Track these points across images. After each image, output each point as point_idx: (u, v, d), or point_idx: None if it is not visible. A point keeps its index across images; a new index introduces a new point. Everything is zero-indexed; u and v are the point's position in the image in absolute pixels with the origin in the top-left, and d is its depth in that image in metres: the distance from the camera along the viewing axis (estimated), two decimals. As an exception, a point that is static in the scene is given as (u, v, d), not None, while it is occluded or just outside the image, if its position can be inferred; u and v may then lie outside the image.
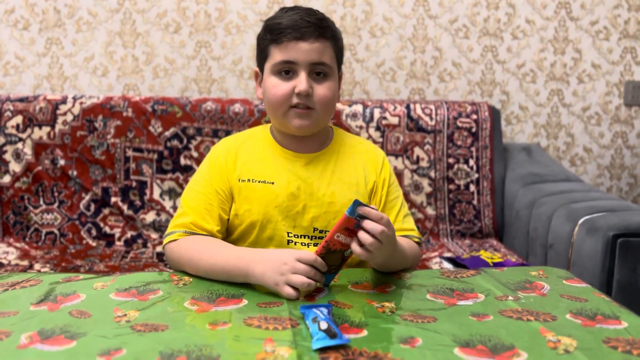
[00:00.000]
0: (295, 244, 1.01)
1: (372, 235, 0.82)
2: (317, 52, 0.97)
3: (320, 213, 1.02)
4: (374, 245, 0.82)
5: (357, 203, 0.82)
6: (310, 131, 1.02)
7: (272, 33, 0.99)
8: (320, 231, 1.02)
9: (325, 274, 0.86)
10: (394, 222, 1.02)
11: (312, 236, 1.02)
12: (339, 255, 0.85)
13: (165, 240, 1.01)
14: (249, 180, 1.02)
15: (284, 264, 0.83)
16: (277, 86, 0.99)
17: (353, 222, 0.82)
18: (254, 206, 1.02)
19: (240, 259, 0.89)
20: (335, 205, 1.02)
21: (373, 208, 0.83)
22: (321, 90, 0.99)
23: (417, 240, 1.06)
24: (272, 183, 1.01)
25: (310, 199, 1.02)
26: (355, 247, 0.83)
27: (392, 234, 0.86)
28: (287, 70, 0.98)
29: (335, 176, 1.04)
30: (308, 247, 1.01)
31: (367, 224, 0.82)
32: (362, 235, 0.82)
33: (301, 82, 0.96)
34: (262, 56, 1.03)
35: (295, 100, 0.98)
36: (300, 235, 1.02)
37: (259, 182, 1.01)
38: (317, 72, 0.99)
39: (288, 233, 1.01)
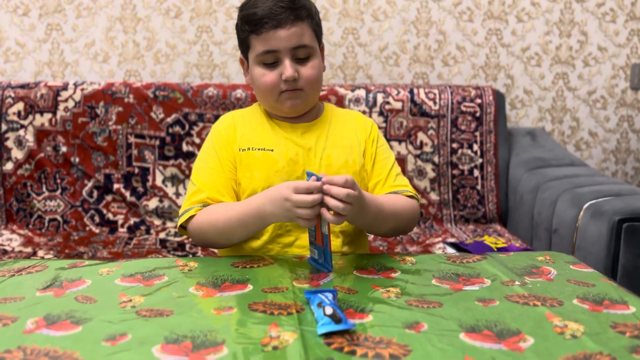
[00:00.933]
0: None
1: (340, 200, 0.85)
2: (296, 36, 1.00)
3: None
4: (346, 210, 0.85)
5: (309, 174, 0.86)
6: (303, 110, 1.07)
7: (249, 24, 1.01)
8: None
9: (319, 258, 0.87)
10: (385, 179, 1.07)
11: None
12: (319, 234, 0.87)
13: (182, 219, 1.02)
14: (249, 148, 1.05)
15: (286, 200, 0.87)
16: (264, 75, 1.02)
17: None
18: (255, 173, 1.04)
19: (250, 206, 0.94)
20: (332, 167, 1.05)
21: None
22: (306, 71, 1.02)
23: (411, 195, 1.06)
24: (272, 150, 1.05)
25: (308, 164, 1.05)
26: (325, 213, 0.86)
27: (358, 194, 0.88)
28: (272, 61, 1.02)
29: (330, 141, 1.07)
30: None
31: (332, 189, 0.85)
32: (329, 200, 0.85)
33: (287, 68, 1.00)
34: (244, 46, 1.07)
35: (283, 86, 1.02)
36: None
37: (259, 149, 1.05)
38: (300, 55, 1.02)
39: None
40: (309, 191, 0.85)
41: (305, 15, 1.02)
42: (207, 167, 1.05)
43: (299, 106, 1.05)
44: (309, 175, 0.87)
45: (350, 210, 0.86)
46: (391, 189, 1.06)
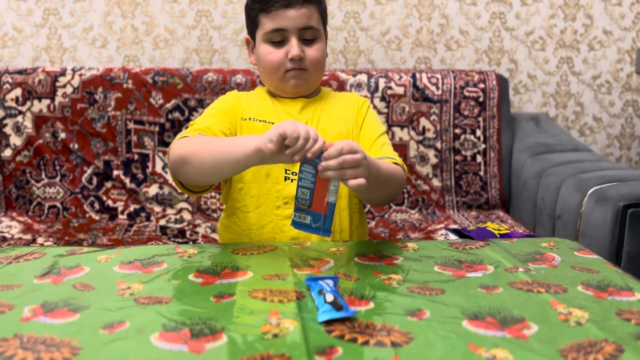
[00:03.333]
0: (292, 181, 1.04)
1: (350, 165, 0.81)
2: (305, 17, 1.04)
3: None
4: (359, 170, 0.82)
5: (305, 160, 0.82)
6: (306, 91, 1.11)
7: (260, 2, 1.05)
8: None
9: (312, 223, 0.85)
10: (370, 145, 1.08)
11: None
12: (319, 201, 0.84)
13: (176, 138, 0.98)
14: (250, 118, 1.08)
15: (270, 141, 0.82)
16: (271, 53, 1.06)
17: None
18: None
19: (242, 139, 0.91)
20: (327, 139, 1.01)
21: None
22: (312, 52, 1.06)
23: (397, 162, 1.04)
24: (272, 123, 1.06)
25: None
26: (350, 182, 0.81)
27: (355, 159, 0.83)
28: (279, 39, 1.05)
29: (325, 113, 1.11)
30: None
31: (331, 162, 0.81)
32: (345, 172, 0.81)
33: (293, 47, 1.04)
34: (252, 25, 1.09)
35: (289, 65, 1.05)
36: (297, 172, 1.03)
37: (259, 121, 1.07)
38: (306, 37, 1.06)
39: (286, 170, 1.05)
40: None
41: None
42: (211, 115, 1.07)
43: (302, 86, 1.08)
44: (305, 162, 0.83)
45: (364, 170, 0.82)
46: (376, 155, 1.04)
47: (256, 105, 1.10)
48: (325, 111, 1.11)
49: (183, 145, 0.96)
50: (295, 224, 0.86)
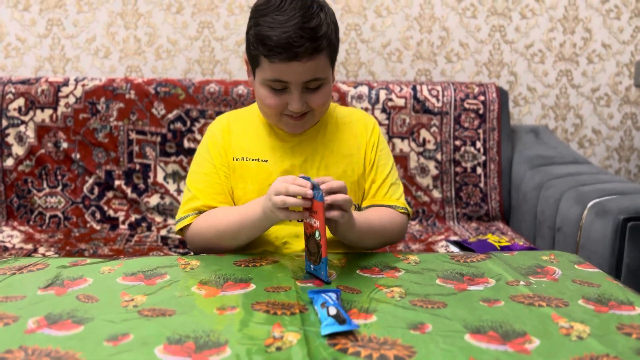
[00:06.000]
0: (290, 220, 1.00)
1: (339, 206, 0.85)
2: (311, 71, 0.92)
3: None
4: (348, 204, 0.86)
5: (303, 177, 0.86)
6: (303, 131, 1.03)
7: (263, 46, 0.91)
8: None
9: (316, 267, 0.85)
10: (377, 189, 1.05)
11: None
12: (313, 241, 0.85)
13: (178, 226, 1.03)
14: (242, 158, 1.02)
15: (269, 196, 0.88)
16: (269, 98, 0.96)
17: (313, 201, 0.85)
18: (248, 184, 1.03)
19: (250, 206, 0.95)
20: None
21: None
22: (316, 100, 0.96)
23: (402, 211, 1.05)
24: (266, 161, 1.02)
25: (305, 174, 1.02)
26: (331, 213, 0.85)
27: (351, 200, 0.88)
28: (280, 88, 0.95)
29: (328, 149, 1.04)
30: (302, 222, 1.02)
31: (336, 196, 0.85)
32: (331, 197, 0.85)
33: (294, 101, 0.94)
34: (252, 59, 0.97)
35: (288, 111, 0.97)
36: (297, 212, 1.02)
37: (253, 160, 1.02)
38: (311, 87, 0.95)
39: None
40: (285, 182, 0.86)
41: (325, 45, 0.92)
42: (202, 173, 1.03)
43: (300, 131, 1.02)
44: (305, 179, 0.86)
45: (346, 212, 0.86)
46: (382, 201, 1.05)
47: (248, 138, 1.03)
48: (328, 146, 1.03)
49: (199, 240, 1.00)
50: (307, 270, 0.88)
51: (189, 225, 1.01)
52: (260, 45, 0.92)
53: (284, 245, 1.02)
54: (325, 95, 0.97)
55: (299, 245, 1.01)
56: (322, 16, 0.92)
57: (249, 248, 1.02)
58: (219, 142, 1.04)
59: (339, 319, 0.68)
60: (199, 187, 1.02)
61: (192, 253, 1.11)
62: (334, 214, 0.85)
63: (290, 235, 1.02)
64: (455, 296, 0.79)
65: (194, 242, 1.02)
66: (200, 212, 1.01)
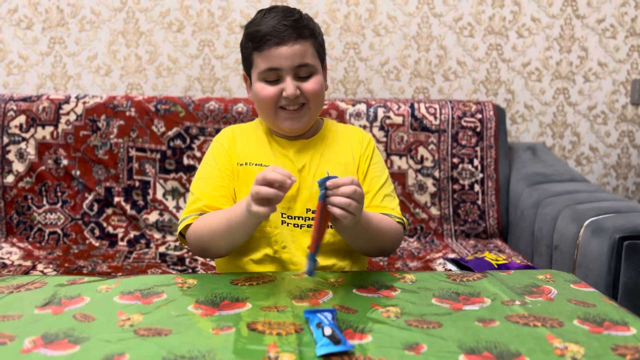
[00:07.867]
0: (287, 225, 1.04)
1: (347, 196, 0.86)
2: (298, 55, 1.01)
3: (312, 194, 1.05)
4: (351, 206, 0.86)
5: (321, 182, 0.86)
6: (302, 130, 1.07)
7: (252, 41, 1.02)
8: (313, 212, 1.05)
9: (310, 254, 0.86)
10: (372, 198, 1.07)
11: (305, 217, 1.05)
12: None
13: (180, 226, 1.03)
14: (246, 163, 1.06)
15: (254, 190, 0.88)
16: (264, 89, 1.03)
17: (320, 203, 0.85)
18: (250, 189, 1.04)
19: (238, 205, 0.95)
20: None
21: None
22: (309, 85, 1.03)
23: (398, 220, 1.06)
24: (267, 167, 1.04)
25: (303, 182, 1.05)
26: (332, 209, 0.85)
27: (362, 193, 0.89)
28: (274, 79, 1.03)
29: (325, 158, 1.08)
30: (301, 228, 1.04)
31: (339, 182, 0.86)
32: (334, 199, 0.85)
33: (288, 86, 1.01)
34: (247, 63, 1.07)
35: (283, 101, 1.03)
36: (294, 217, 1.05)
37: (256, 165, 1.06)
38: (302, 74, 1.03)
39: (282, 214, 1.04)
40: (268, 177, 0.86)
41: (308, 34, 1.03)
42: (207, 177, 1.06)
43: (298, 128, 1.06)
44: (322, 182, 0.86)
45: (356, 208, 0.87)
46: (376, 209, 1.06)
47: (252, 146, 1.08)
48: (325, 156, 1.08)
49: (195, 240, 1.01)
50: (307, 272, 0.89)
51: (190, 226, 1.02)
52: (250, 41, 1.03)
53: (282, 250, 1.03)
54: (317, 83, 1.04)
55: (298, 249, 1.03)
56: (304, 16, 1.05)
57: (247, 252, 1.04)
58: (224, 148, 1.08)
59: (334, 339, 0.68)
60: (203, 190, 1.05)
61: (192, 264, 1.11)
62: (337, 211, 0.86)
63: (289, 240, 1.03)
64: (451, 316, 0.79)
65: (192, 243, 1.02)
66: (202, 212, 1.02)
